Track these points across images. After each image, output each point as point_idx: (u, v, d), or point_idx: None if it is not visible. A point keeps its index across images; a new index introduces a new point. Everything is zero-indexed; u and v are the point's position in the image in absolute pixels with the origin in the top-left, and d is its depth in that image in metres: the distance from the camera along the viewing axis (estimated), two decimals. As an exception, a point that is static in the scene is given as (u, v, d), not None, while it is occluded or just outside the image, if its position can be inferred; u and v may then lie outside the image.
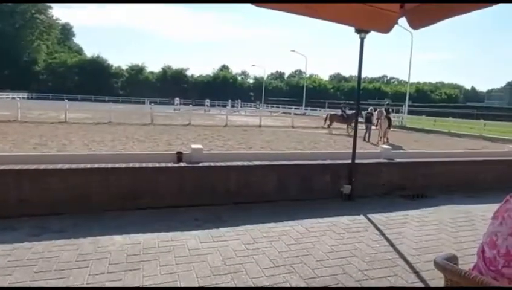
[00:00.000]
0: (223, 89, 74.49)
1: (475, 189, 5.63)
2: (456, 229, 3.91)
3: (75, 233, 3.24)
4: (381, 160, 5.60)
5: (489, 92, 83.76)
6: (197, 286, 2.49)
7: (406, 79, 42.35)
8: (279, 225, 3.82)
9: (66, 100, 22.00)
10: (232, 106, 47.82)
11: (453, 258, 1.48)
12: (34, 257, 2.76)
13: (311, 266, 2.84)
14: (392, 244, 3.39)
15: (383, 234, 3.66)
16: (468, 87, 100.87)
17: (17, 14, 66.73)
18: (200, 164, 4.47)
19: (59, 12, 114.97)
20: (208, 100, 43.30)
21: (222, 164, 4.60)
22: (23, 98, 45.17)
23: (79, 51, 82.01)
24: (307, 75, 72.79)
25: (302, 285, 2.55)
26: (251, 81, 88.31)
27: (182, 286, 2.48)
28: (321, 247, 3.26)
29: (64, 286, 2.38)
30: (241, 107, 50.35)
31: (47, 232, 3.27)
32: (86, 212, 3.76)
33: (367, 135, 15.55)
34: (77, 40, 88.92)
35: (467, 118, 32.87)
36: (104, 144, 11.55)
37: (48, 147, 10.02)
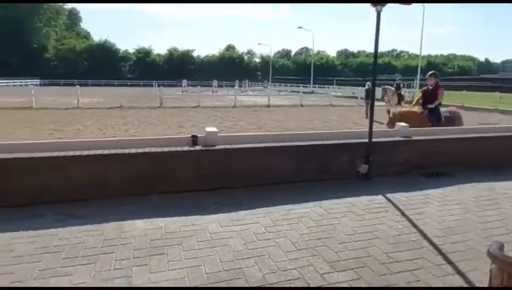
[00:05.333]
0: (229, 69, 73.99)
1: (495, 166, 5.50)
2: (480, 208, 3.83)
3: (98, 219, 3.27)
4: (398, 138, 5.49)
5: (503, 63, 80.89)
6: (221, 270, 2.50)
7: (417, 52, 41.09)
8: (298, 206, 3.80)
9: (78, 86, 22.10)
10: (240, 86, 47.53)
11: (501, 247, 1.41)
12: (60, 243, 2.80)
13: (334, 249, 2.83)
14: (415, 225, 3.34)
15: (404, 215, 3.62)
16: (481, 58, 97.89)
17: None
18: (216, 147, 4.43)
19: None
20: (215, 81, 43.11)
21: (238, 146, 4.56)
22: (36, 84, 45.63)
23: (87, 36, 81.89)
24: (314, 52, 71.30)
25: (327, 269, 2.54)
26: (257, 60, 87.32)
27: (207, 270, 2.49)
28: (342, 229, 3.24)
29: (92, 272, 2.41)
30: (248, 86, 50.02)
31: (71, 218, 3.31)
32: (106, 198, 3.79)
33: (367, 111, 15.33)
34: (84, 25, 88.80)
35: (481, 91, 31.88)
36: (117, 128, 11.64)
37: (63, 133, 10.13)
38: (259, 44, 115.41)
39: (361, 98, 20.17)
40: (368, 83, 16.78)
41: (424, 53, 77.03)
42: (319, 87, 42.16)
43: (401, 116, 7.41)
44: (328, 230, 3.21)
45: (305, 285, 2.35)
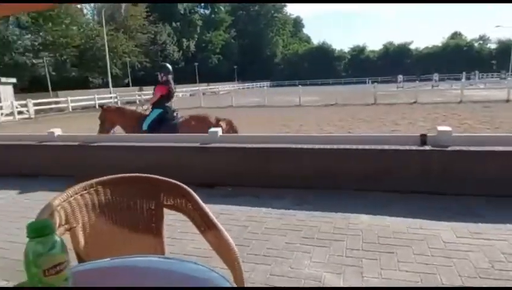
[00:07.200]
0: (454, 59, 64.92)
1: None
2: None
3: (327, 207, 3.58)
4: None
5: None
6: (461, 284, 2.26)
7: None
8: None
9: (300, 86, 24.73)
10: (467, 78, 40.77)
11: None
12: (299, 224, 3.24)
13: None
14: None
15: None
16: None
17: (261, 16, 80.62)
18: (449, 148, 3.99)
19: (291, 8, 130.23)
20: (436, 74, 38.56)
21: (477, 148, 3.95)
22: (267, 86, 54.23)
23: (307, 40, 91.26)
24: None
25: None
26: (492, 46, 72.27)
27: (443, 281, 2.31)
28: None
29: (327, 254, 2.68)
30: (478, 78, 42.36)
31: (305, 203, 3.78)
32: (334, 189, 4.11)
33: None
34: (306, 30, 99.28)
35: None
36: (333, 124, 12.32)
37: (289, 127, 11.62)
38: (497, 26, 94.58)
39: None
40: None
41: None
42: None
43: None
44: None
45: None
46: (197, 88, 38.26)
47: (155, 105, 5.98)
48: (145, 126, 5.87)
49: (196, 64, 58.03)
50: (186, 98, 33.66)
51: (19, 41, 40.12)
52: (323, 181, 4.22)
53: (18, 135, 6.68)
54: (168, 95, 6.03)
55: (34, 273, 0.67)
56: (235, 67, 67.81)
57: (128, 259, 1.13)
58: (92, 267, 1.11)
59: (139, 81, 47.24)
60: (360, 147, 4.14)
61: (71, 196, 1.50)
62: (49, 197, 1.45)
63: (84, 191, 1.57)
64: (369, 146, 4.13)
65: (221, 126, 5.47)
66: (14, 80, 25.61)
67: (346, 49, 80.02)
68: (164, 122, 5.91)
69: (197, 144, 4.70)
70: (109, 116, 6.22)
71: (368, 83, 45.85)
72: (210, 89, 44.47)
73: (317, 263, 2.55)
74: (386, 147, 4.10)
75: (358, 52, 78.33)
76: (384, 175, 4.13)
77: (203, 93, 29.65)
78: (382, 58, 75.40)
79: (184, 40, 68.20)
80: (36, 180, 5.11)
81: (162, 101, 5.97)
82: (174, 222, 2.87)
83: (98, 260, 1.13)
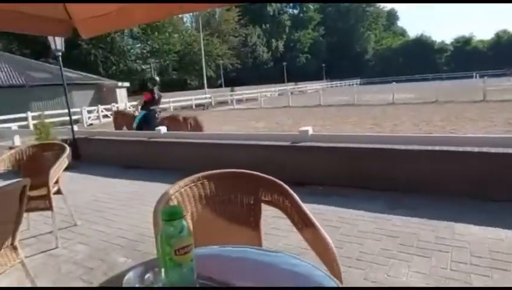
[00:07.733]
0: None
1: None
2: None
3: (428, 213, 3.30)
4: None
5: None
6: None
7: None
8: None
9: (394, 82, 23.19)
10: None
11: None
12: (394, 229, 3.06)
13: None
14: None
15: None
16: None
17: (351, 12, 77.73)
18: None
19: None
20: None
21: None
22: (356, 84, 52.10)
23: (403, 33, 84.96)
24: None
25: None
26: None
27: None
28: None
29: (428, 265, 2.48)
30: None
31: (400, 207, 3.54)
32: (432, 193, 3.78)
33: None
34: (401, 23, 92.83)
35: None
36: (433, 124, 11.27)
37: (381, 127, 10.99)
38: None
39: None
40: None
41: None
42: None
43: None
44: None
45: None
46: (285, 88, 38.79)
47: (143, 108, 8.02)
48: (134, 124, 8.03)
49: (284, 63, 58.59)
50: (274, 98, 34.29)
51: (132, 50, 45.75)
52: (421, 185, 3.91)
53: (132, 132, 7.64)
54: (153, 101, 7.92)
55: (167, 252, 0.78)
56: (323, 65, 66.56)
57: (235, 249, 1.22)
58: (203, 253, 1.23)
59: (231, 82, 49.66)
60: (469, 149, 3.71)
61: (182, 187, 1.68)
62: (160, 187, 1.64)
63: (192, 184, 1.73)
64: (479, 148, 3.68)
65: (189, 122, 7.53)
66: (127, 84, 29.29)
67: (449, 41, 72.53)
68: (148, 120, 7.75)
69: (289, 143, 4.77)
70: (118, 116, 9.13)
71: (475, 77, 40.73)
72: (297, 88, 44.56)
73: (417, 273, 2.37)
74: (501, 150, 3.60)
75: (463, 44, 70.10)
76: (496, 182, 3.64)
77: (291, 93, 29.83)
78: (493, 48, 66.20)
79: (273, 40, 69.50)
80: (148, 172, 5.78)
81: (148, 105, 7.91)
82: (268, 218, 2.96)
83: (208, 247, 1.24)
